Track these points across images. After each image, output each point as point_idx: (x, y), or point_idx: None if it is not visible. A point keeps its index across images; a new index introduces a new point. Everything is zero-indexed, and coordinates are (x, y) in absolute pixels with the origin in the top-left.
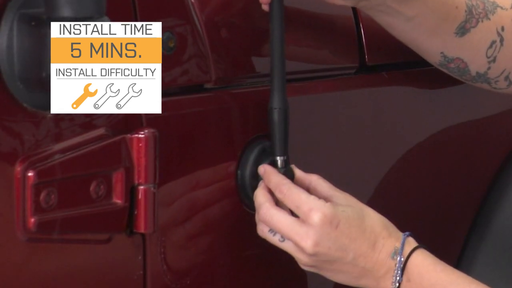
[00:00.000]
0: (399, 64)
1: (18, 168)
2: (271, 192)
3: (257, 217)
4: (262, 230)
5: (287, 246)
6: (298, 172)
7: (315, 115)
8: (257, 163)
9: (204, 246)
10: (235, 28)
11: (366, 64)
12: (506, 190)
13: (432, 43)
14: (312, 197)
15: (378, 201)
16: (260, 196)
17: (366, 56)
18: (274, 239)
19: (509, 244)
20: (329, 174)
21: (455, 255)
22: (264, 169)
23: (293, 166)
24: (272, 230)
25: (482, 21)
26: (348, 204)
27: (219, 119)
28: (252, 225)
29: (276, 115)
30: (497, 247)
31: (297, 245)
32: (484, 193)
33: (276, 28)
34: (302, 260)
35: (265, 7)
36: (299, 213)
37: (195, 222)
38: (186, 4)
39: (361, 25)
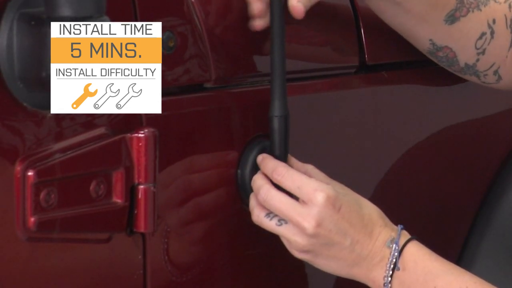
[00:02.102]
0: (399, 63)
1: (18, 168)
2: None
3: (251, 204)
4: (258, 216)
5: (284, 230)
6: (294, 161)
7: (315, 114)
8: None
9: (204, 245)
10: (235, 27)
11: (366, 64)
12: (507, 189)
13: (421, 29)
14: (313, 179)
15: (378, 200)
16: (259, 179)
17: (366, 56)
18: (271, 224)
19: (509, 243)
20: (329, 173)
21: (455, 254)
22: (262, 157)
23: (289, 155)
24: (269, 215)
25: (472, 11)
26: (346, 192)
27: (219, 118)
28: (252, 224)
29: (276, 123)
30: (497, 246)
31: (298, 225)
32: (484, 192)
33: (277, 35)
34: (300, 243)
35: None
36: (301, 193)
37: (195, 221)
38: (186, 3)
39: (361, 25)
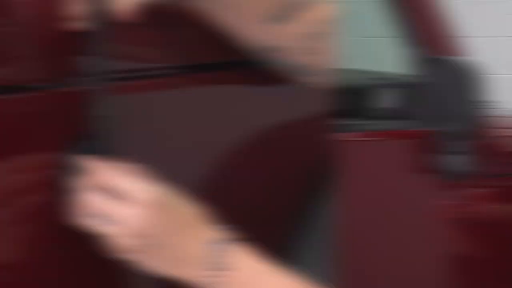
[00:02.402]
0: (220, 64)
1: None
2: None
3: (74, 206)
4: (82, 217)
5: (108, 232)
6: (118, 162)
7: (138, 114)
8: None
9: (19, 249)
10: (59, 26)
11: (188, 64)
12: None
13: (251, 31)
14: (138, 179)
15: (202, 201)
16: (82, 181)
17: (188, 56)
18: (94, 225)
19: (330, 243)
20: (153, 173)
21: (280, 255)
22: (85, 158)
23: (113, 156)
24: (92, 216)
25: (301, 12)
26: (170, 192)
27: (41, 119)
28: (75, 225)
29: (100, 123)
30: (320, 247)
31: (122, 226)
32: (306, 194)
33: (97, 33)
34: (124, 243)
35: None
36: (125, 194)
37: (11, 224)
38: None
39: (182, 24)
